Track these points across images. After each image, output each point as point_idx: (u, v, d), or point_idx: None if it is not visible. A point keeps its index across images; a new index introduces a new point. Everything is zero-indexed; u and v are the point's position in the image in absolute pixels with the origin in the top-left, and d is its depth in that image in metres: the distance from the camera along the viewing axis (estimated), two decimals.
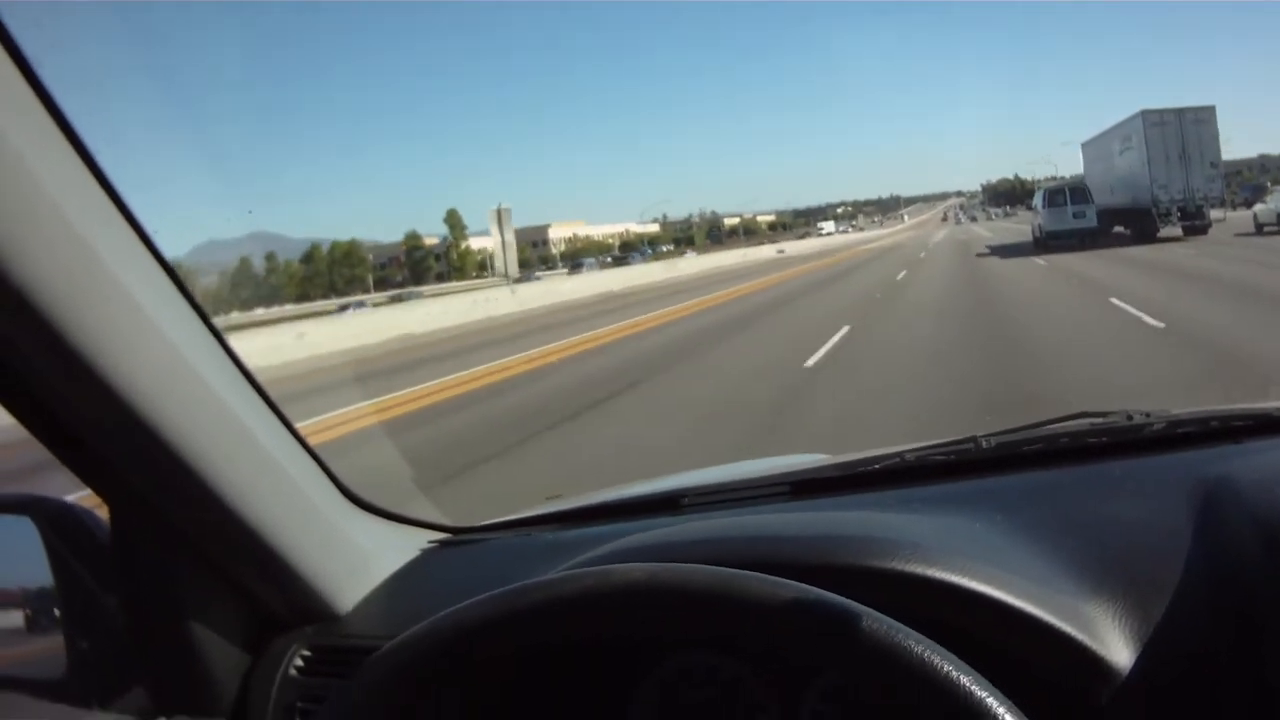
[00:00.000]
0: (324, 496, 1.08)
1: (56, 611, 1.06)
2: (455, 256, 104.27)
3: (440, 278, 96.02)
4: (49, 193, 0.74)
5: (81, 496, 1.05)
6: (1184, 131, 24.89)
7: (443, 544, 1.24)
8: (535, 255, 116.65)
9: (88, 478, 0.93)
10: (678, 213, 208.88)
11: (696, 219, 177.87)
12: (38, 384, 0.82)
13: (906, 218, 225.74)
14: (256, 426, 0.96)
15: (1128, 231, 27.56)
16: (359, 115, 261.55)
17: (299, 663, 1.04)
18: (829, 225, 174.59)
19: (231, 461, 0.92)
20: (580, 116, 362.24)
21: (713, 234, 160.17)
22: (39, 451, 0.90)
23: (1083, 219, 26.80)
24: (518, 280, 30.40)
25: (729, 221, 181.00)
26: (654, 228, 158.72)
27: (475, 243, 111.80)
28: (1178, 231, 24.83)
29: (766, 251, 65.24)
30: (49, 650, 1.05)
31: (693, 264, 49.66)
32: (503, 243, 27.65)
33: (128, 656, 1.02)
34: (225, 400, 0.92)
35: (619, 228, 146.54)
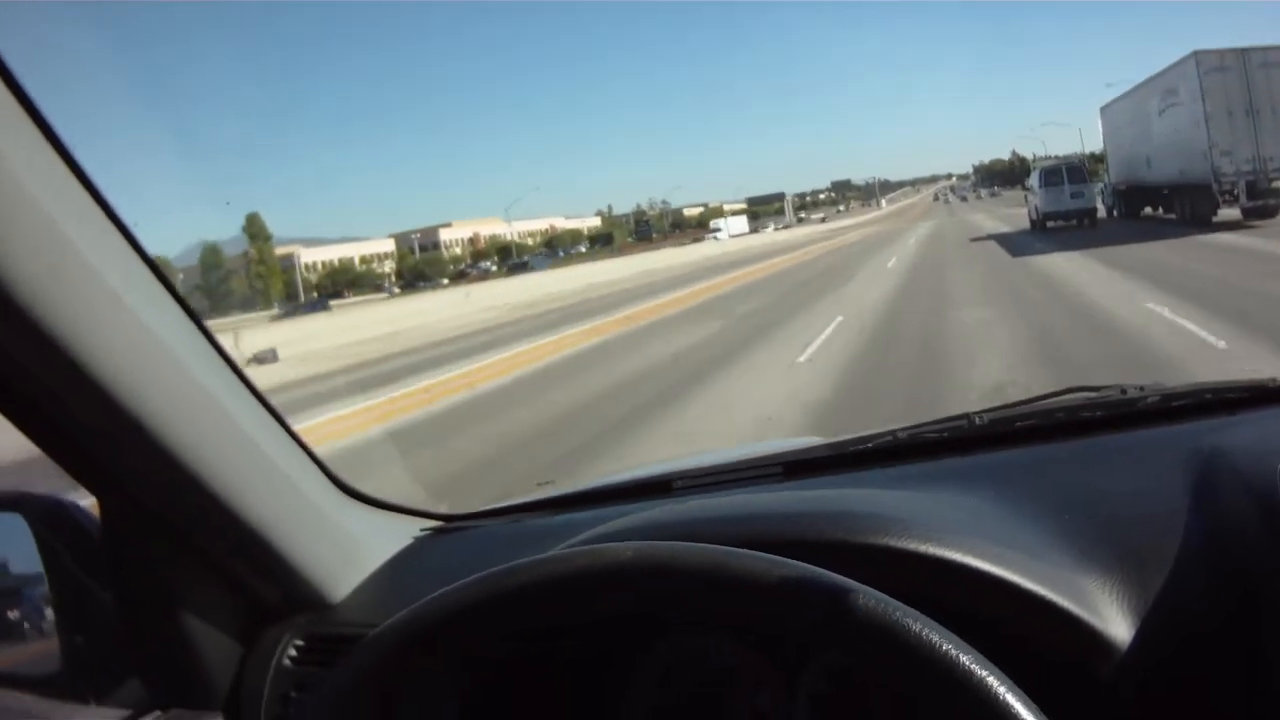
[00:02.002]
0: (314, 486, 1.08)
1: (49, 607, 1.06)
2: (259, 276, 74.04)
3: (247, 304, 65.90)
4: (30, 191, 0.74)
5: (73, 493, 1.05)
6: (1249, 79, 17.67)
7: (434, 532, 1.25)
8: (420, 262, 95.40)
9: (77, 473, 0.92)
10: (624, 205, 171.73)
11: (649, 209, 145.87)
12: (24, 380, 0.82)
13: (884, 204, 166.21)
14: (244, 418, 0.96)
15: (1163, 213, 21.94)
16: (349, 111, 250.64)
17: (292, 652, 1.04)
18: (734, 223, 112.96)
19: (220, 453, 0.92)
20: (522, 103, 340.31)
21: (641, 229, 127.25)
22: (28, 447, 0.90)
23: (1080, 199, 24.65)
24: None
25: (690, 212, 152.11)
26: (595, 221, 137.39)
27: (317, 255, 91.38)
28: (1235, 214, 18.08)
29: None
30: (42, 646, 1.05)
31: None
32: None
33: (121, 650, 1.02)
34: (211, 392, 0.92)
35: (542, 223, 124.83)
